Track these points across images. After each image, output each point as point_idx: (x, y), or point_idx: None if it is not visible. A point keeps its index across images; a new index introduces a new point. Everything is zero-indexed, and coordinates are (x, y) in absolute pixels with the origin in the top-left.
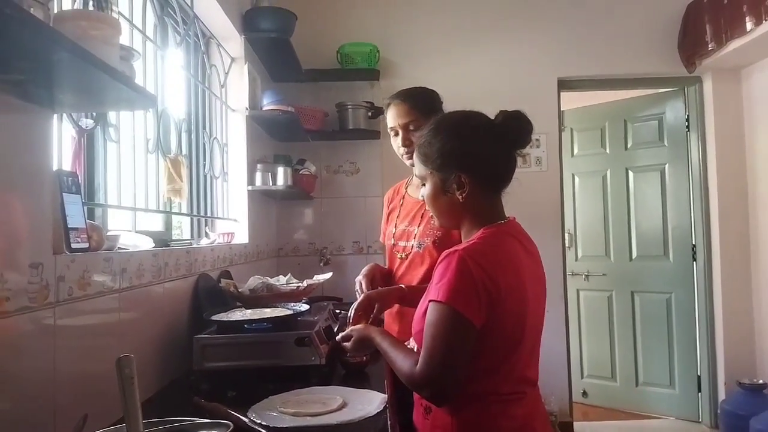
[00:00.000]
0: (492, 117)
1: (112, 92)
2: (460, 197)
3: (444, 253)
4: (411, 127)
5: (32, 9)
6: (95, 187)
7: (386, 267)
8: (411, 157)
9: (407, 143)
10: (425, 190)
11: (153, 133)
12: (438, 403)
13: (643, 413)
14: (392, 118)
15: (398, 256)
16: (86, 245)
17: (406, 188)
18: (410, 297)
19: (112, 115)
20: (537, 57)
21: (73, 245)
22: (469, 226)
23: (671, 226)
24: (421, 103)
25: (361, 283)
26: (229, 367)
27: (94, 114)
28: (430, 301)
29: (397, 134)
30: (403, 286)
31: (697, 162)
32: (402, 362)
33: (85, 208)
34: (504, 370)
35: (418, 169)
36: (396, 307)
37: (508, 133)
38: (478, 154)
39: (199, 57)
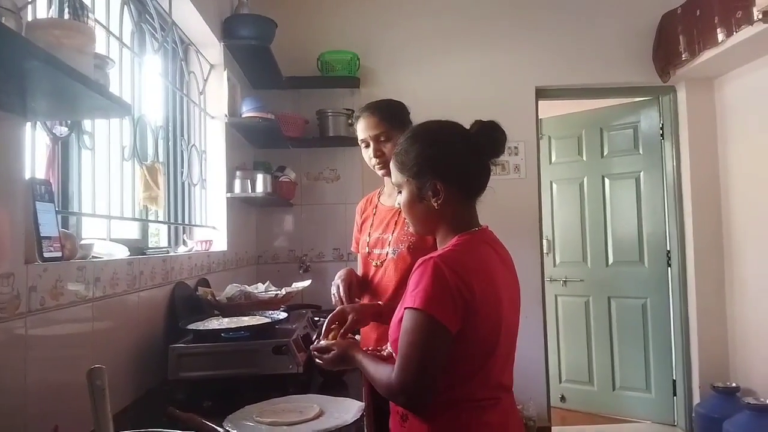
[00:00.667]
0: (470, 125)
1: (86, 101)
2: (435, 204)
3: (419, 261)
4: (381, 138)
5: (3, 18)
6: (69, 196)
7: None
8: (383, 168)
9: (378, 154)
10: (402, 198)
11: (129, 140)
12: (415, 411)
13: (621, 417)
14: (362, 130)
15: (373, 263)
16: (59, 254)
17: (379, 197)
18: (387, 314)
19: (87, 123)
20: (515, 66)
21: (46, 254)
22: (444, 232)
23: (646, 232)
24: (389, 114)
25: (338, 287)
26: (206, 376)
27: (69, 121)
28: (405, 308)
29: (368, 146)
30: (380, 303)
31: (671, 170)
32: (380, 374)
33: (59, 216)
34: (480, 376)
35: (395, 176)
36: None
37: (483, 143)
38: (453, 162)
39: (177, 64)
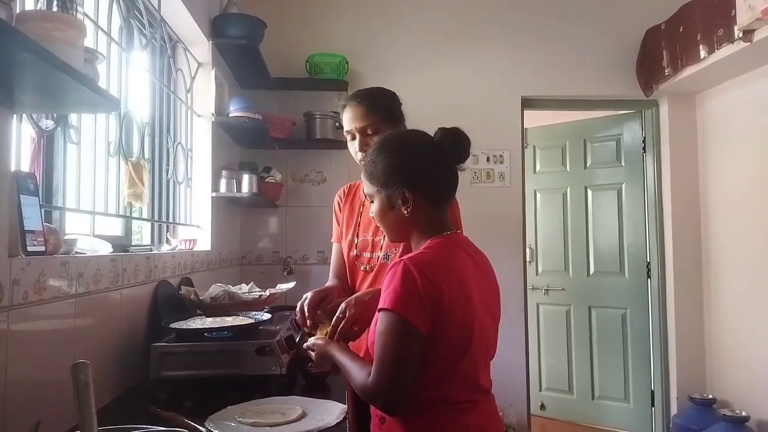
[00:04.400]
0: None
1: (74, 94)
2: (405, 212)
3: (390, 264)
4: (369, 132)
5: None
6: (53, 190)
7: (333, 276)
8: None
9: (365, 148)
10: (374, 207)
11: (115, 136)
12: (391, 413)
13: (599, 426)
14: (348, 120)
15: (362, 268)
16: (43, 248)
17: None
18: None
19: (73, 117)
20: (503, 75)
21: (29, 248)
22: (417, 238)
23: (627, 243)
24: (378, 105)
25: (307, 299)
26: (188, 376)
27: (55, 115)
28: (378, 309)
29: (354, 138)
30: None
31: (653, 182)
32: (357, 375)
33: (43, 210)
34: (454, 377)
35: (366, 187)
36: None
37: (448, 150)
38: (419, 170)
39: (165, 61)
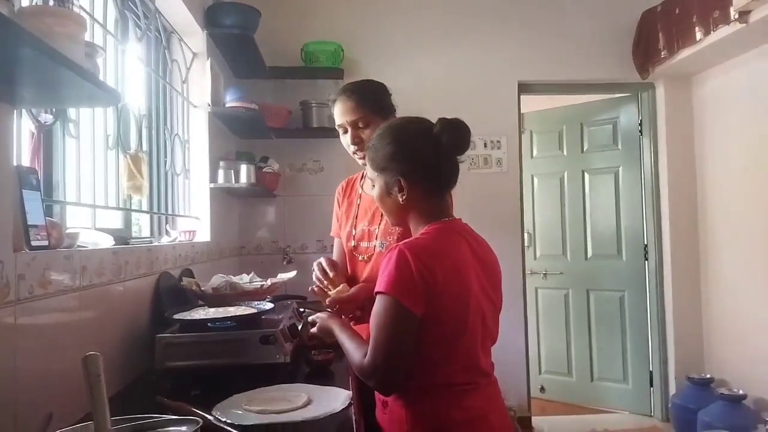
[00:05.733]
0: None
1: (75, 89)
2: (400, 199)
3: (387, 249)
4: (360, 125)
5: None
6: (54, 184)
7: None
8: (362, 155)
9: (357, 140)
10: (375, 191)
11: (113, 129)
12: (385, 393)
13: (598, 408)
14: (339, 114)
15: (360, 258)
16: (46, 243)
17: (362, 186)
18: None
19: (71, 111)
20: (499, 60)
21: (33, 242)
22: (415, 224)
23: (624, 226)
24: (368, 98)
25: (321, 264)
26: (193, 365)
27: (54, 109)
28: (374, 292)
29: (345, 131)
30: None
31: (649, 165)
32: (354, 354)
33: (44, 205)
34: (452, 360)
35: (369, 171)
36: None
37: (447, 141)
38: (415, 160)
39: (160, 52)
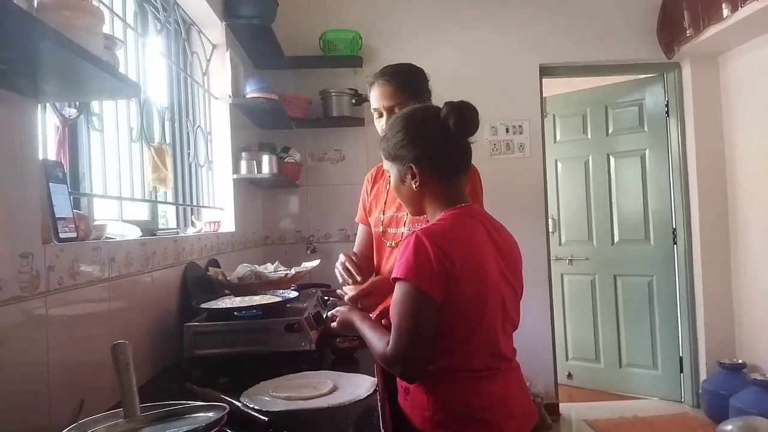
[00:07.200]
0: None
1: (96, 82)
2: (414, 186)
3: (405, 235)
4: (396, 110)
5: None
6: (80, 177)
7: (358, 251)
8: None
9: None
10: (391, 182)
11: (136, 121)
12: (409, 380)
13: (627, 394)
14: (376, 99)
15: (387, 244)
16: (74, 235)
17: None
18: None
19: (95, 104)
20: (519, 43)
21: (62, 235)
22: (431, 210)
23: (652, 210)
24: (407, 84)
25: (344, 264)
26: (220, 353)
27: (77, 103)
28: (392, 279)
29: (381, 115)
30: None
31: (677, 147)
32: (377, 343)
33: (71, 197)
34: (472, 345)
35: (384, 162)
36: None
37: (454, 124)
38: (425, 146)
39: (180, 44)
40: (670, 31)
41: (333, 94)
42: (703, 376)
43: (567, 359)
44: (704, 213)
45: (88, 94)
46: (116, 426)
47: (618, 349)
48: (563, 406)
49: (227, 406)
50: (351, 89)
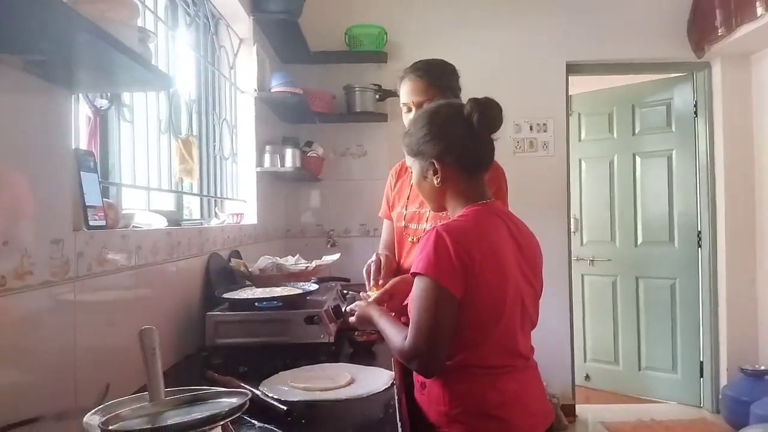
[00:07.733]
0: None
1: (129, 73)
2: (436, 182)
3: (425, 231)
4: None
5: None
6: (110, 167)
7: (383, 248)
8: None
9: None
10: (413, 178)
11: (165, 113)
12: (427, 374)
13: (645, 398)
14: (406, 93)
15: (409, 239)
16: (103, 223)
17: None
18: None
19: (125, 96)
20: (546, 40)
21: (91, 222)
22: (452, 207)
23: (677, 212)
24: (439, 80)
25: (369, 266)
26: (241, 343)
27: (109, 94)
28: (411, 274)
29: (410, 110)
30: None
31: (705, 148)
32: (395, 338)
33: (101, 186)
34: (489, 342)
35: (407, 158)
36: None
37: (478, 121)
38: (448, 142)
39: (208, 38)
40: (701, 30)
41: (357, 89)
42: (723, 381)
43: (585, 360)
44: (730, 216)
45: (120, 86)
46: (142, 408)
47: (638, 352)
48: (580, 408)
49: (249, 393)
50: (375, 85)
